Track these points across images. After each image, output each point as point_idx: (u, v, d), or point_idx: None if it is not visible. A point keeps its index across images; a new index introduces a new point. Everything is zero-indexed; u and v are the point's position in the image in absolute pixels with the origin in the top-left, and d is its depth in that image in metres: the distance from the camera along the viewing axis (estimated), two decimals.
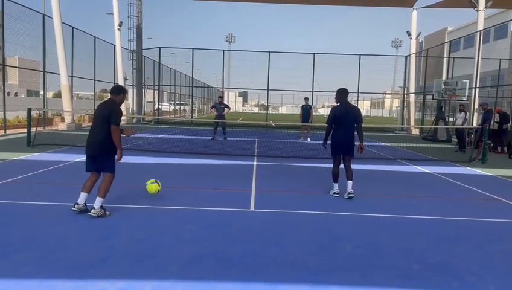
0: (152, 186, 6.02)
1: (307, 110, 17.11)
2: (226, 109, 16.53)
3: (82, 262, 3.75)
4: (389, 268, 3.90)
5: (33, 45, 18.16)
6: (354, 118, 6.63)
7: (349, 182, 6.66)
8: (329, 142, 6.88)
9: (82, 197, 5.21)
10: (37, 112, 16.70)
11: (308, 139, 17.38)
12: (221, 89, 33.35)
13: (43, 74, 18.90)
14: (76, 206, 5.18)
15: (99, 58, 24.37)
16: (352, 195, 6.56)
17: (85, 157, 5.29)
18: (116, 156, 5.22)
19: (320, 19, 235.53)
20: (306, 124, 16.90)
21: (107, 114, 5.10)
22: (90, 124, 25.93)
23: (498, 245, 4.72)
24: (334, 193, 6.78)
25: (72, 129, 18.96)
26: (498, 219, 5.89)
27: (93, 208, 5.04)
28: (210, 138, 16.29)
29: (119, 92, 5.36)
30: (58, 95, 30.79)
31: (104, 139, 5.10)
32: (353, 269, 3.86)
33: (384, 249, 4.41)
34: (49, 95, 31.20)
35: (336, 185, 6.83)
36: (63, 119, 20.25)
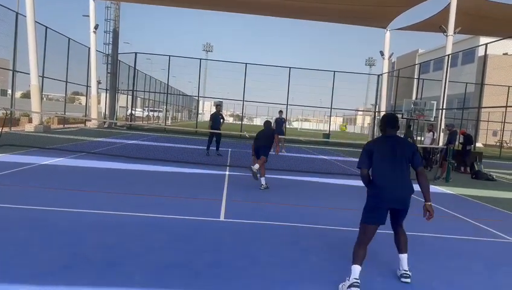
0: None
1: (280, 123, 18.15)
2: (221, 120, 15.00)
3: (44, 269, 3.64)
4: None
5: (3, 43, 17.65)
6: (407, 158, 4.04)
7: (404, 256, 4.26)
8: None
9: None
10: (4, 111, 16.14)
11: (284, 150, 17.57)
12: (197, 98, 33.28)
13: (13, 73, 18.34)
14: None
15: (73, 60, 23.87)
16: (408, 278, 4.13)
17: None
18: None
19: (297, 34, 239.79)
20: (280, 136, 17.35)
21: None
22: (60, 126, 24.89)
23: (458, 261, 4.92)
24: (353, 285, 3.70)
25: (40, 131, 18.40)
26: (458, 235, 6.13)
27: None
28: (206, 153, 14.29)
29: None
30: (26, 95, 29.89)
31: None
32: (320, 282, 3.93)
33: (351, 262, 4.50)
34: (18, 94, 30.23)
35: (356, 269, 3.84)
36: (30, 120, 19.65)
